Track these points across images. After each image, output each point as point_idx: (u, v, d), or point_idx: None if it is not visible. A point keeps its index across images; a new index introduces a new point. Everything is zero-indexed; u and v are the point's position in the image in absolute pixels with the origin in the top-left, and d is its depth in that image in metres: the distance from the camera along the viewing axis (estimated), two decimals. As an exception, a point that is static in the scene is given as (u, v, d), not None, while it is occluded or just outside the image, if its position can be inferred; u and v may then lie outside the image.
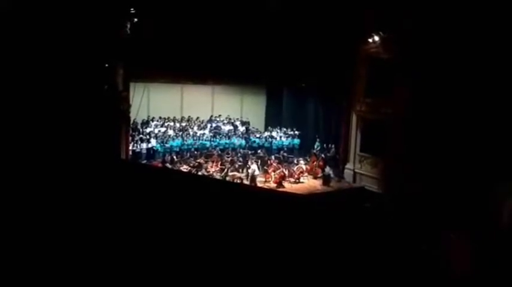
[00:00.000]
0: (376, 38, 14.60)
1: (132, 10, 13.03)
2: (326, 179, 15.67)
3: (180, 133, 17.22)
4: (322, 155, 16.91)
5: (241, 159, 16.24)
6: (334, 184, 15.75)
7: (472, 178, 10.49)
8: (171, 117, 18.29)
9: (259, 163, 15.78)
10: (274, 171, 15.24)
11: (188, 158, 15.87)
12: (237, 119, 19.67)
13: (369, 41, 14.88)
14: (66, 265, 2.49)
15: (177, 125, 18.01)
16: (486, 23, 11.00)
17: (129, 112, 14.38)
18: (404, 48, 13.57)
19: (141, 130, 16.77)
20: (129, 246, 2.81)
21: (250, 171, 14.90)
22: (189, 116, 18.78)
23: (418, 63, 13.08)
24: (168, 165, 15.00)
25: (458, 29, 11.69)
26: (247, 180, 14.83)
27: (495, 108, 10.91)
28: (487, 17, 10.98)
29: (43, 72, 7.70)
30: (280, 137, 18.61)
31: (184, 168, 14.65)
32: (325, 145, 17.52)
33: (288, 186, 15.09)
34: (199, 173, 14.42)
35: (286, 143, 18.44)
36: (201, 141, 17.16)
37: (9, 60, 6.76)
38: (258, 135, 18.65)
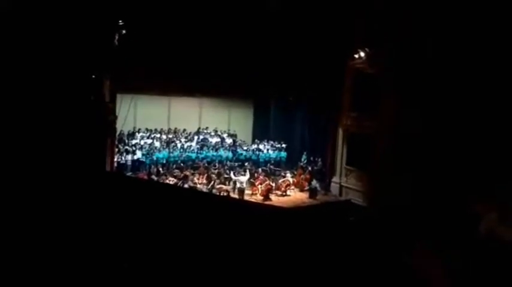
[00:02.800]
0: (362, 54, 14.87)
1: (121, 22, 13.06)
2: (312, 192, 15.72)
3: (166, 145, 17.13)
4: (309, 168, 17.00)
5: (228, 171, 16.21)
6: (320, 197, 15.80)
7: (456, 191, 10.62)
8: (158, 129, 18.22)
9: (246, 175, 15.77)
10: (261, 184, 15.24)
11: (174, 170, 15.77)
12: (224, 131, 19.68)
13: (355, 57, 15.15)
14: (55, 271, 2.46)
15: (164, 137, 17.92)
16: (475, 38, 11.25)
17: (115, 123, 14.28)
18: (389, 63, 13.83)
19: (126, 141, 16.63)
20: (112, 257, 2.78)
21: (237, 183, 14.86)
22: (175, 128, 18.72)
23: (404, 78, 13.33)
24: (153, 177, 14.86)
25: (445, 44, 11.96)
26: (234, 193, 14.78)
27: (483, 123, 11.10)
28: (476, 32, 11.23)
29: (29, 82, 7.64)
30: (267, 149, 18.65)
31: (170, 180, 14.52)
32: (311, 158, 17.62)
33: (275, 199, 15.09)
34: (186, 185, 14.32)
35: (273, 156, 18.48)
36: (187, 153, 17.07)
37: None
38: (245, 148, 18.65)
